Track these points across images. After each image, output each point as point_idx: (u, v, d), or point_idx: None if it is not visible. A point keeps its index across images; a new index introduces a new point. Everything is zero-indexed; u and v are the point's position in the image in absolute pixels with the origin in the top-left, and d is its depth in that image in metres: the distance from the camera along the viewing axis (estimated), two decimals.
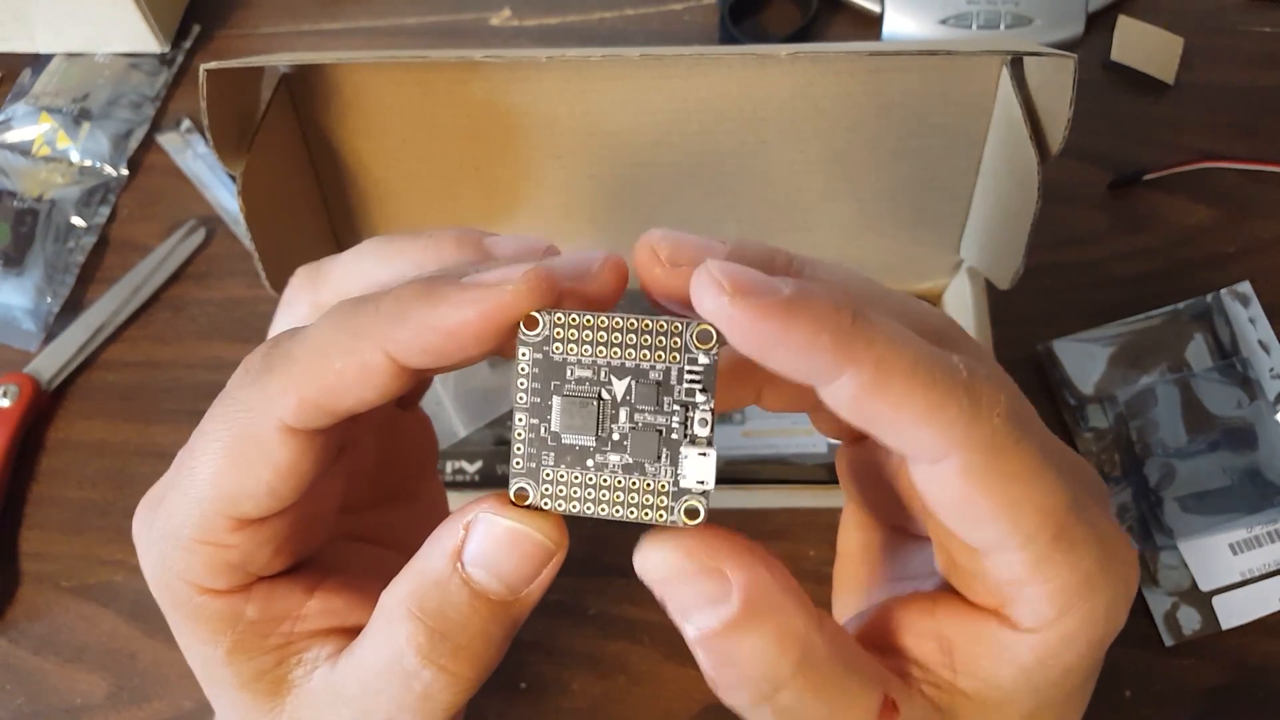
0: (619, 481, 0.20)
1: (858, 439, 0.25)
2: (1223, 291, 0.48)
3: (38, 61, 0.61)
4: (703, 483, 0.19)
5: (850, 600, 0.26)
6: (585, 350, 0.20)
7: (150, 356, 0.52)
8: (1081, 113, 0.34)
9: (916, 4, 0.56)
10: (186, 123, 0.58)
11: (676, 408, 0.19)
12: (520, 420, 0.20)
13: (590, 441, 0.20)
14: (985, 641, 0.20)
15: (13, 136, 0.58)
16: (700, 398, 0.19)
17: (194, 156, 0.57)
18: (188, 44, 0.61)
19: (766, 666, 0.19)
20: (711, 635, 0.19)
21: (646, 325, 0.19)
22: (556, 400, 0.20)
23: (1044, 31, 0.56)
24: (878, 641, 0.22)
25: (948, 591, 0.22)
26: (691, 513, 0.19)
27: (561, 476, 0.20)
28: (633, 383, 0.19)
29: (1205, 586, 0.42)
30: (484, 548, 0.19)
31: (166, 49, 0.60)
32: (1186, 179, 0.52)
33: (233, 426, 0.20)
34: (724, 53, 0.39)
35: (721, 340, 0.19)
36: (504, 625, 0.20)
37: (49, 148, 0.57)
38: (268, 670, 0.21)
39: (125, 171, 0.57)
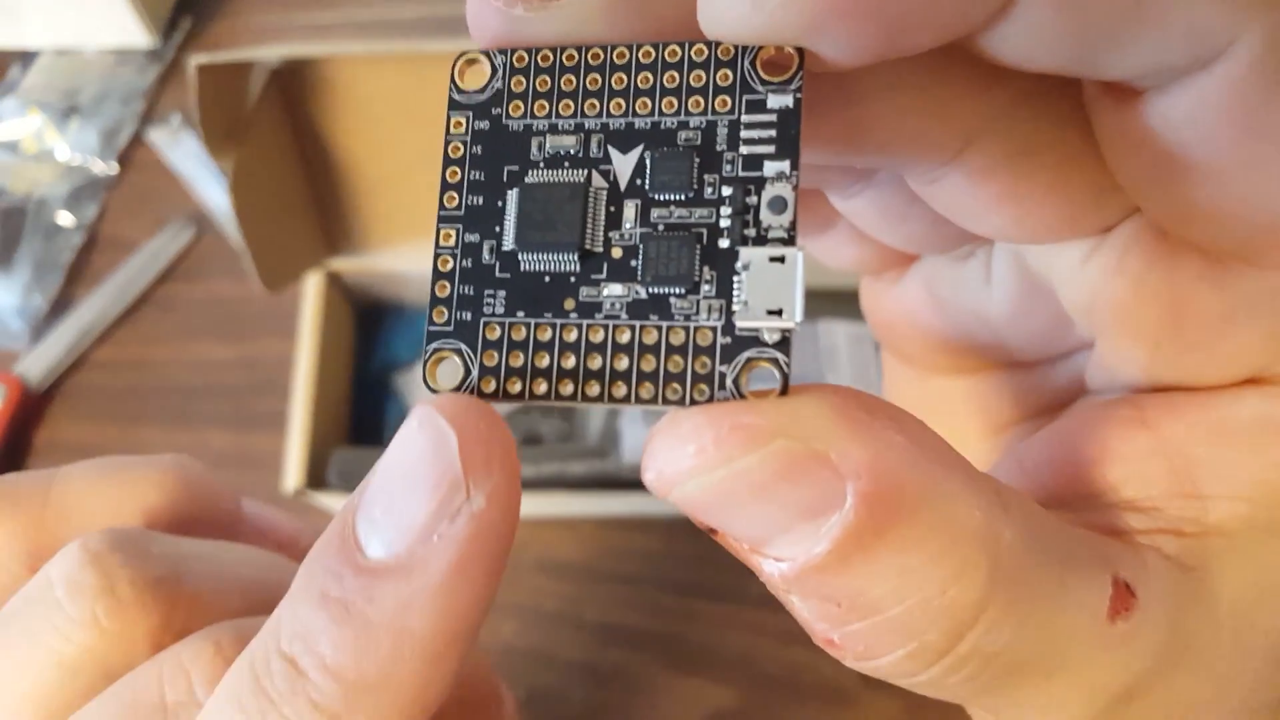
0: (624, 333, 0.12)
1: (892, 262, 0.18)
2: None
3: (26, 57, 0.60)
4: (779, 313, 0.11)
5: None
6: (563, 107, 0.12)
7: (139, 357, 0.51)
8: None
9: None
10: (177, 118, 0.57)
11: (727, 191, 0.12)
12: (448, 238, 0.13)
13: (572, 263, 0.12)
14: (1254, 431, 0.13)
15: (0, 133, 0.57)
16: (772, 165, 0.12)
17: (184, 153, 0.56)
18: (178, 38, 0.60)
19: (932, 602, 0.11)
20: (815, 569, 0.11)
21: (673, 53, 0.12)
22: (513, 195, 0.12)
23: None
24: (1059, 495, 0.14)
25: (1148, 392, 0.14)
26: (760, 375, 0.11)
27: (519, 334, 0.12)
28: (648, 152, 0.12)
29: None
30: (373, 494, 0.13)
31: (157, 43, 0.59)
32: None
33: None
34: None
35: (803, 63, 0.12)
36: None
37: (37, 144, 0.56)
38: None
39: (115, 167, 0.56)
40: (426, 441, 0.13)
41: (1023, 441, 0.16)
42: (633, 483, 0.39)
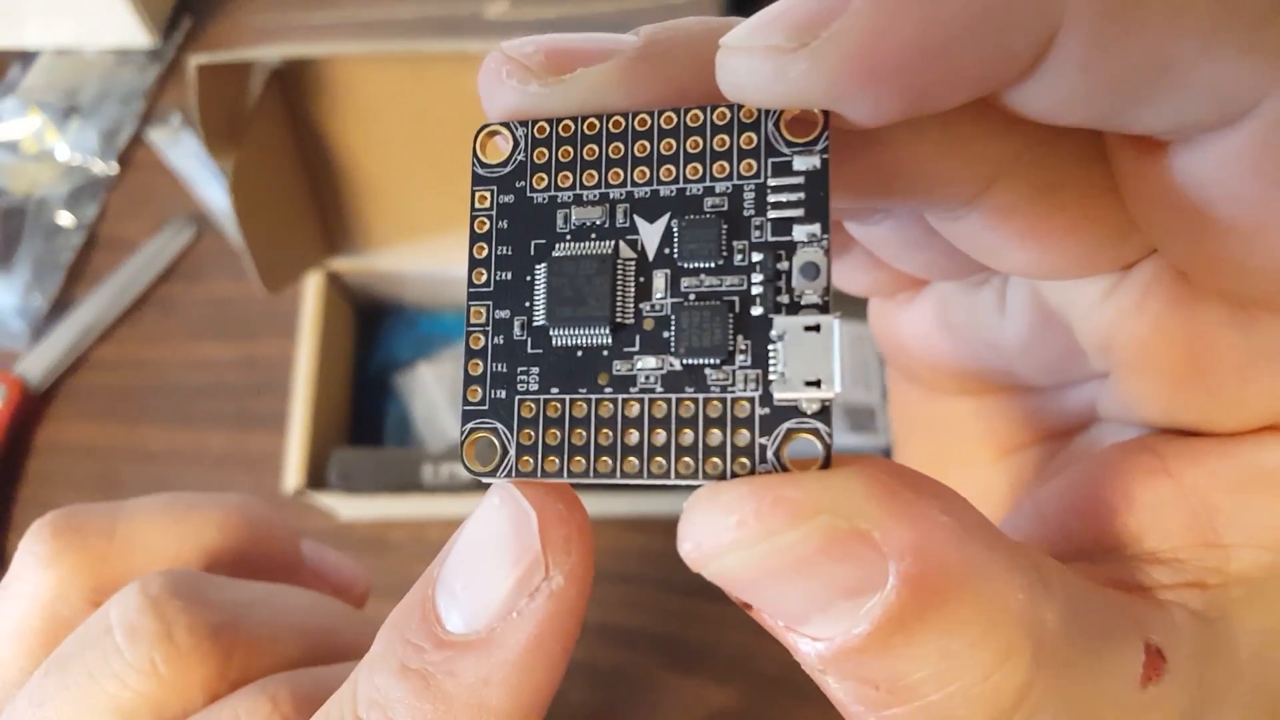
0: (660, 406, 0.12)
1: (906, 284, 0.18)
2: None
3: (26, 57, 0.60)
4: (817, 384, 0.11)
5: None
6: (587, 178, 0.12)
7: (138, 357, 0.51)
8: None
9: None
10: (177, 118, 0.57)
11: (757, 257, 0.11)
12: (478, 315, 0.13)
13: (604, 336, 0.12)
14: (1276, 479, 0.13)
15: (1, 133, 0.57)
16: (801, 229, 0.11)
17: (184, 153, 0.56)
18: (178, 38, 0.60)
19: (974, 688, 0.11)
20: (854, 650, 0.11)
21: (695, 118, 0.12)
22: (541, 270, 0.12)
23: None
24: (1081, 545, 0.14)
25: (1166, 435, 0.14)
26: (800, 446, 0.11)
27: (554, 411, 0.12)
28: (675, 220, 0.12)
29: None
30: (453, 568, 0.13)
31: (157, 43, 0.59)
32: None
33: None
34: None
35: (828, 124, 0.11)
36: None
37: (37, 144, 0.56)
38: None
39: (115, 167, 0.56)
40: (507, 519, 0.13)
41: (1041, 488, 0.16)
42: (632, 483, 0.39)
